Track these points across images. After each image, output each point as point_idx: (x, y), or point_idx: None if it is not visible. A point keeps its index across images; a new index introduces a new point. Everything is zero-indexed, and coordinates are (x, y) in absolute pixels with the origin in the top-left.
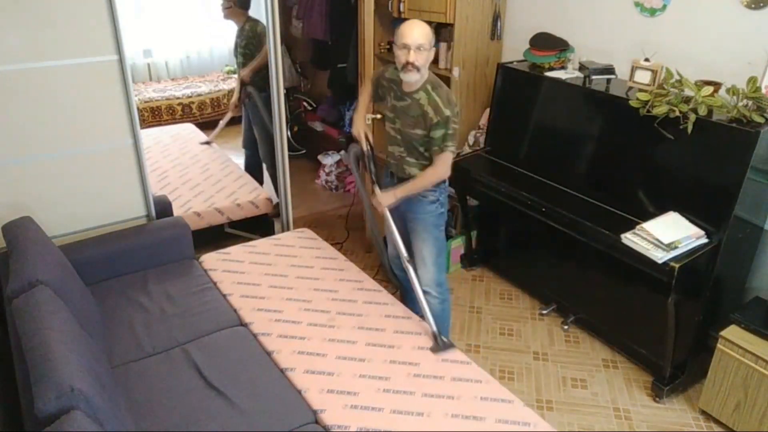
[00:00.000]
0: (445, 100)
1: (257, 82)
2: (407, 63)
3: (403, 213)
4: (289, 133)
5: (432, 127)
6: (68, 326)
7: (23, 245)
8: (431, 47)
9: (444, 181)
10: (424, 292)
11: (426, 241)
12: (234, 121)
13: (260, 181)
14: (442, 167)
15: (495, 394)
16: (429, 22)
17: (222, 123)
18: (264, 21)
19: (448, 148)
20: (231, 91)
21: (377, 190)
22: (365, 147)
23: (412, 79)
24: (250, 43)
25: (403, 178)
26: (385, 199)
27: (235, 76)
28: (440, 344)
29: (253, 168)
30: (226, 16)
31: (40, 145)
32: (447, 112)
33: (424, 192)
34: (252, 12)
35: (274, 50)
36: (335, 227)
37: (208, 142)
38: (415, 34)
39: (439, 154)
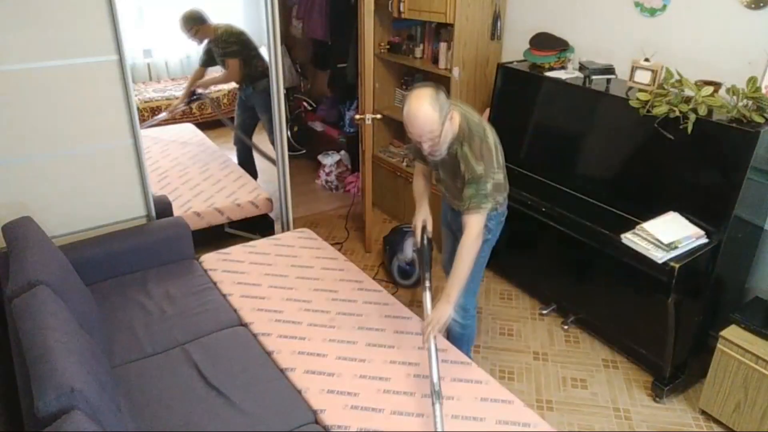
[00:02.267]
0: (477, 155)
1: (252, 80)
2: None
3: (455, 231)
4: (289, 133)
5: (463, 182)
6: (68, 326)
7: (23, 245)
8: (433, 130)
9: (496, 209)
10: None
11: None
12: (233, 121)
13: (254, 175)
14: (472, 232)
15: (495, 394)
16: (429, 23)
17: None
18: (264, 21)
19: (474, 208)
20: (231, 91)
21: (428, 304)
22: (419, 240)
23: (441, 156)
24: (230, 43)
25: (455, 210)
26: (443, 311)
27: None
28: (432, 393)
29: (245, 162)
30: (198, 38)
31: (40, 145)
32: (479, 170)
33: None
34: (249, 12)
35: (274, 50)
36: (335, 227)
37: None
38: (420, 126)
39: (467, 217)
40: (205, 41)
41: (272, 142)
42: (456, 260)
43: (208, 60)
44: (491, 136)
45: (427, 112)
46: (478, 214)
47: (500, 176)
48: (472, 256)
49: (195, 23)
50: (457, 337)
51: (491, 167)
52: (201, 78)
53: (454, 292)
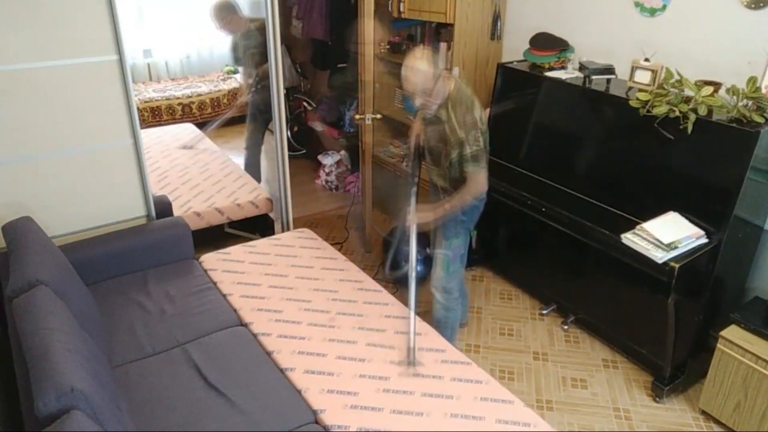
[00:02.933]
0: (461, 121)
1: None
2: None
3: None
4: (289, 133)
5: (452, 149)
6: (68, 326)
7: (23, 245)
8: (426, 85)
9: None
10: (432, 293)
11: (441, 244)
12: (233, 122)
13: (257, 179)
14: (472, 185)
15: (495, 394)
16: (429, 23)
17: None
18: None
19: (472, 167)
20: (231, 91)
21: (413, 205)
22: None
23: (433, 111)
24: (262, 42)
25: (435, 184)
26: (425, 215)
27: (236, 76)
28: (409, 360)
29: (252, 168)
30: (229, 31)
31: (40, 144)
32: (461, 135)
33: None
34: (248, 12)
35: (274, 50)
36: (335, 227)
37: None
38: (413, 82)
39: (467, 173)
40: (233, 35)
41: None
42: (454, 197)
43: (237, 58)
44: (477, 110)
45: (423, 68)
46: (478, 168)
47: (480, 150)
48: (466, 199)
49: (229, 13)
50: (441, 320)
51: (472, 135)
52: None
53: (440, 211)
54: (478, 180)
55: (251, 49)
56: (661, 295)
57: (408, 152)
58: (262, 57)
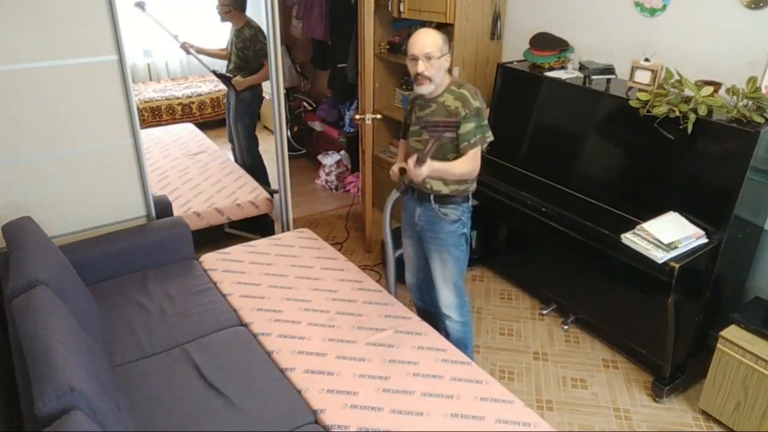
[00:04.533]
0: (473, 93)
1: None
2: (417, 75)
3: (422, 232)
4: (289, 133)
5: (462, 122)
6: (68, 326)
7: (23, 245)
8: (442, 54)
9: (467, 200)
10: (445, 316)
11: (446, 263)
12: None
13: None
14: (473, 161)
15: (495, 394)
16: (429, 23)
17: None
18: (264, 21)
19: (479, 142)
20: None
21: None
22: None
23: (426, 91)
24: (246, 47)
25: (423, 192)
26: (421, 170)
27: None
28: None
29: (242, 160)
30: (224, 19)
31: (40, 145)
32: (476, 104)
33: (445, 210)
34: (251, 12)
35: (274, 50)
36: (335, 227)
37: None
38: (422, 42)
39: (469, 150)
40: (233, 30)
41: (242, 154)
42: (453, 163)
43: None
44: (480, 99)
45: (433, 35)
46: (477, 147)
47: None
48: (464, 171)
49: (233, 4)
50: (461, 337)
51: (484, 106)
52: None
53: (436, 166)
54: (478, 158)
55: (236, 50)
56: (661, 295)
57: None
58: (260, 64)
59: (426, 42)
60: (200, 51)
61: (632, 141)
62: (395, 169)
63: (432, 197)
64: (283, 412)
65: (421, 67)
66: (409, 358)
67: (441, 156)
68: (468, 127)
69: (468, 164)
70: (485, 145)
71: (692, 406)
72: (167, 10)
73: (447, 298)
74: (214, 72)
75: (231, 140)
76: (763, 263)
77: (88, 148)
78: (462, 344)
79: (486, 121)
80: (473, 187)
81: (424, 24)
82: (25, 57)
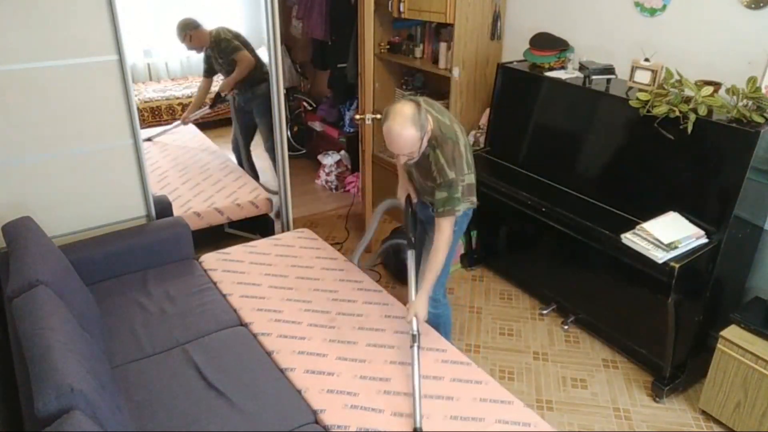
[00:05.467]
0: (449, 160)
1: (252, 84)
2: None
3: (421, 224)
4: (289, 133)
5: (436, 188)
6: (68, 326)
7: (23, 245)
8: (417, 143)
9: (470, 208)
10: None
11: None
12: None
13: (255, 178)
14: (443, 235)
15: (495, 394)
16: (429, 23)
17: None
18: (264, 21)
19: (448, 212)
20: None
21: (412, 296)
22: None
23: (415, 160)
24: (222, 53)
25: (424, 201)
26: (422, 303)
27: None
28: (413, 339)
29: (245, 166)
30: (195, 46)
31: (40, 145)
32: (451, 175)
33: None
34: (248, 12)
35: (274, 50)
36: (335, 227)
37: (149, 139)
38: (398, 146)
39: (439, 219)
40: (204, 49)
41: (268, 150)
42: (430, 258)
43: (210, 68)
44: (462, 139)
45: (410, 133)
46: (451, 217)
47: (472, 177)
48: (444, 254)
49: (188, 29)
50: (433, 322)
51: (462, 171)
52: (208, 89)
53: (428, 286)
54: (449, 228)
55: (226, 56)
56: (661, 295)
57: (399, 206)
58: (233, 62)
59: (404, 145)
60: (195, 107)
61: (632, 141)
62: (402, 194)
63: (432, 209)
64: (283, 412)
65: (404, 158)
66: (409, 359)
67: (427, 191)
68: (440, 195)
69: (439, 246)
70: (456, 215)
71: (692, 406)
72: (167, 10)
73: None
74: (215, 102)
75: (236, 150)
76: (763, 263)
77: (88, 148)
78: (434, 324)
79: (458, 194)
80: (474, 197)
81: (424, 24)
82: (25, 57)
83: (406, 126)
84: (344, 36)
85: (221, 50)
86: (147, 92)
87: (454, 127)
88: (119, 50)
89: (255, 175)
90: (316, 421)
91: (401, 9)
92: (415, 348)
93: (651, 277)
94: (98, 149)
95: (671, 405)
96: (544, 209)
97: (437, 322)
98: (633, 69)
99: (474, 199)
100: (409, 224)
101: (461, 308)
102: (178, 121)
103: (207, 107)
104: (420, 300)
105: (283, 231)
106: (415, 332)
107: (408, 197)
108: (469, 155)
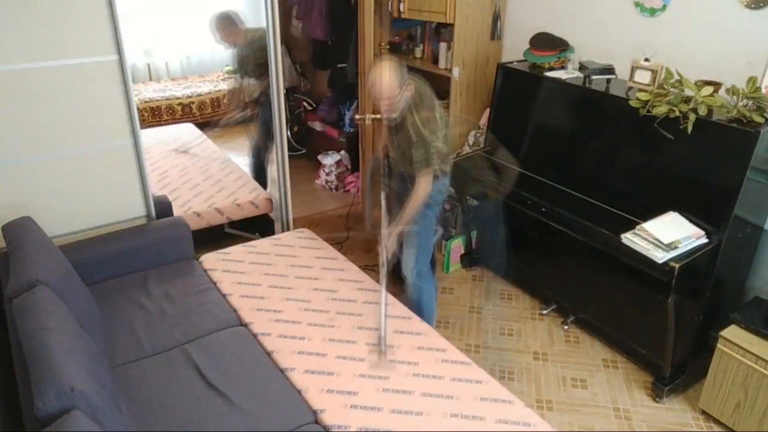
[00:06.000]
0: (424, 121)
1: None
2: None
3: (400, 197)
4: (289, 133)
5: (412, 148)
6: (68, 326)
7: (23, 245)
8: (393, 95)
9: (437, 178)
10: (404, 277)
11: (410, 232)
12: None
13: (264, 186)
14: (422, 187)
15: (495, 394)
16: (429, 23)
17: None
18: (264, 21)
19: (426, 165)
20: (231, 91)
21: (384, 231)
22: (382, 156)
23: (392, 117)
24: (259, 52)
25: (402, 174)
26: (390, 243)
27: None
28: (381, 350)
29: (258, 174)
30: (228, 41)
31: (40, 145)
32: (425, 133)
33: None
34: (248, 12)
35: (274, 50)
36: (335, 227)
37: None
38: (375, 91)
39: (418, 176)
40: (235, 47)
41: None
42: (407, 205)
43: (242, 68)
44: (438, 111)
45: (390, 79)
46: (428, 169)
47: (445, 148)
48: (420, 203)
49: (229, 25)
50: (415, 300)
51: (435, 134)
52: (242, 89)
53: (399, 228)
54: (428, 181)
55: (258, 60)
56: (661, 295)
57: (377, 162)
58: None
59: (384, 89)
60: (237, 108)
61: (632, 141)
62: (380, 146)
63: (406, 175)
64: (283, 412)
65: (385, 107)
66: (409, 358)
67: (404, 157)
68: (418, 153)
69: (418, 194)
70: (432, 169)
71: (692, 406)
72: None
73: (407, 261)
74: (247, 106)
75: (257, 156)
76: (763, 263)
77: (88, 148)
78: (416, 306)
79: (433, 152)
80: (446, 166)
81: (424, 24)
82: (26, 57)
83: (387, 70)
84: (344, 36)
85: (262, 53)
86: (147, 92)
87: (434, 101)
88: (119, 50)
89: (264, 183)
90: (316, 421)
91: (401, 9)
92: (383, 274)
93: (651, 277)
94: (98, 149)
95: (671, 405)
96: (543, 209)
97: (419, 295)
98: (633, 69)
99: (447, 168)
100: (384, 170)
101: (461, 308)
102: (217, 128)
103: (249, 110)
104: (390, 237)
105: (283, 231)
106: (384, 262)
107: (384, 148)
108: (445, 129)
